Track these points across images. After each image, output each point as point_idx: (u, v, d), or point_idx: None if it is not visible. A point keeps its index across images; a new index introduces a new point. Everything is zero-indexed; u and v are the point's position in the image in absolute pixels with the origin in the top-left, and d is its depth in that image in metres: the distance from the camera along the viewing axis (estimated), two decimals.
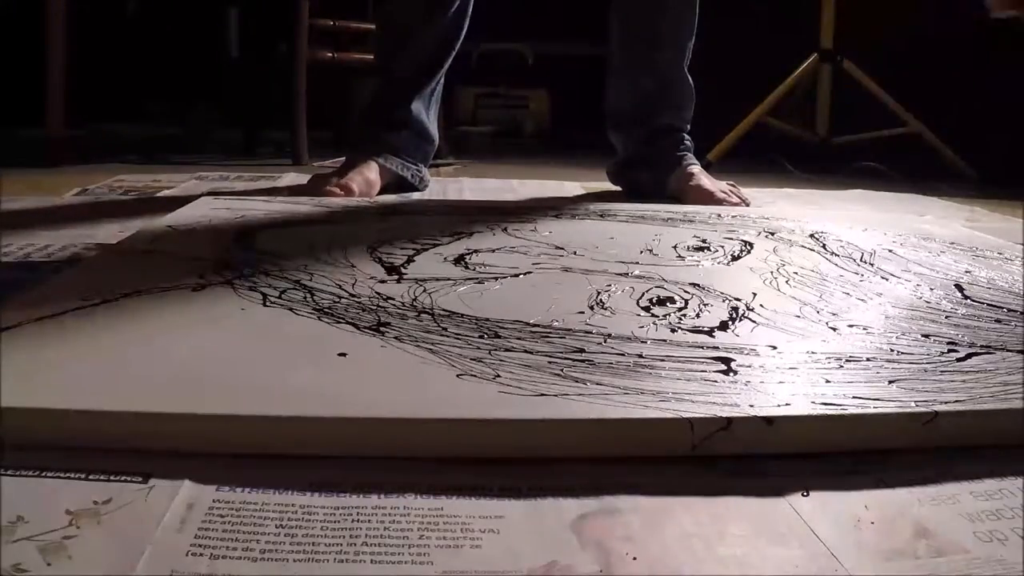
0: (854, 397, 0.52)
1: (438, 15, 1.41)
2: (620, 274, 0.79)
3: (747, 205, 1.37)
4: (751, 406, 0.50)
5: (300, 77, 1.86)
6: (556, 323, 0.64)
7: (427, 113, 1.47)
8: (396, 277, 0.75)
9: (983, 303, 0.75)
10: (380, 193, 1.38)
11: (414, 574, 0.37)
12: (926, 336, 0.65)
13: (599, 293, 0.72)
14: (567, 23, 2.67)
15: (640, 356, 0.57)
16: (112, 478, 0.43)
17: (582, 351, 0.58)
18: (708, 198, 1.34)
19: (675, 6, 1.43)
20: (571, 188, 1.59)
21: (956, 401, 0.52)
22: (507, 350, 0.57)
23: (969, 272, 0.86)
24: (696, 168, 1.44)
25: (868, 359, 0.59)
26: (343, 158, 1.47)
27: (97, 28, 2.53)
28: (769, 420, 0.49)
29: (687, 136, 1.49)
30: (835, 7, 2.15)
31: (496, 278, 0.76)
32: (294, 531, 0.39)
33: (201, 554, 0.37)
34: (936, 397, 0.52)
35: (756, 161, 2.09)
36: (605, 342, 0.60)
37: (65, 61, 1.93)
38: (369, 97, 1.49)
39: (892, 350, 0.61)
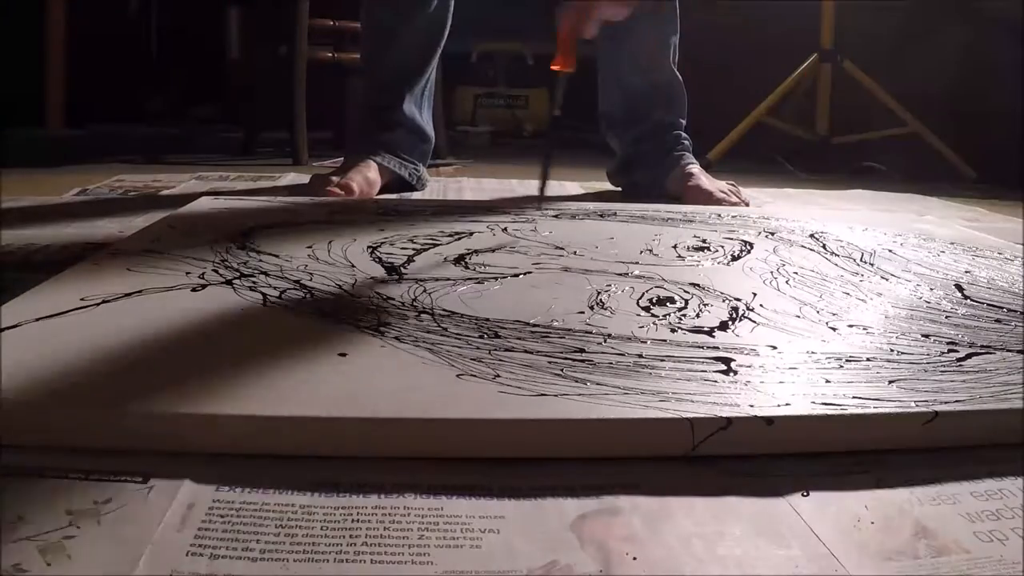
0: (854, 397, 0.52)
1: (420, 12, 1.41)
2: (620, 274, 0.79)
3: (747, 205, 1.37)
4: (751, 406, 0.50)
5: (300, 77, 1.86)
6: (556, 323, 0.64)
7: (420, 111, 1.47)
8: (396, 277, 0.75)
9: (983, 303, 0.75)
10: (379, 192, 1.38)
11: (414, 574, 0.37)
12: (926, 336, 0.65)
13: (599, 293, 0.72)
14: None
15: (640, 356, 0.57)
16: (112, 478, 0.43)
17: (582, 351, 0.58)
18: (707, 198, 1.34)
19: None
20: (571, 188, 1.59)
21: (956, 401, 0.52)
22: (507, 350, 0.57)
23: (969, 272, 0.86)
24: (695, 168, 1.44)
25: (868, 359, 0.59)
26: (342, 158, 1.47)
27: (97, 28, 2.54)
28: (769, 420, 0.49)
29: (684, 135, 1.49)
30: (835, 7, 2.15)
31: (496, 278, 0.76)
32: (294, 531, 0.39)
33: (201, 554, 0.37)
34: (936, 397, 0.52)
35: (756, 161, 2.09)
36: (605, 342, 0.60)
37: (65, 61, 1.93)
38: (361, 99, 1.49)
39: (892, 350, 0.61)
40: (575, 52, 1.09)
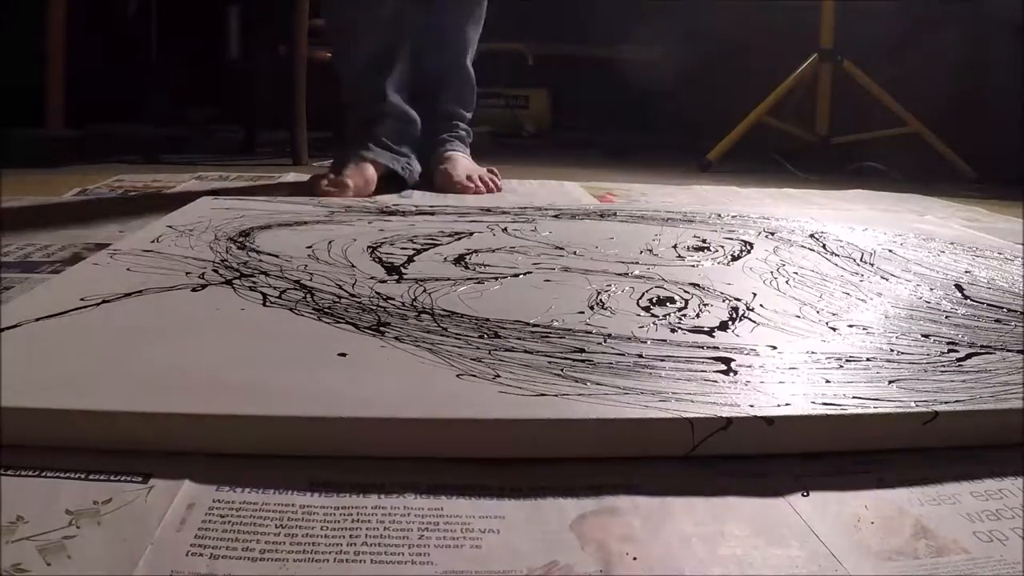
0: (854, 397, 0.52)
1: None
2: (620, 274, 0.79)
3: (499, 190, 1.37)
4: (751, 406, 0.50)
5: (300, 77, 1.86)
6: (556, 323, 0.64)
7: (401, 96, 1.47)
8: (396, 277, 0.75)
9: (983, 303, 0.75)
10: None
11: (414, 574, 0.37)
12: (926, 336, 0.65)
13: (599, 293, 0.72)
14: (567, 23, 2.67)
15: (640, 356, 0.57)
16: (112, 478, 0.43)
17: (582, 351, 0.58)
18: (450, 184, 1.35)
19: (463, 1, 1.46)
20: (571, 188, 1.59)
21: (956, 401, 0.52)
22: (507, 350, 0.57)
23: (969, 272, 0.86)
24: (455, 153, 1.45)
25: (868, 359, 0.59)
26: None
27: (97, 28, 2.54)
28: (769, 420, 0.49)
29: (465, 127, 1.50)
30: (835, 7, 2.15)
31: (496, 278, 0.76)
32: (294, 531, 0.39)
33: (201, 554, 0.37)
34: (936, 397, 0.52)
35: (756, 161, 2.09)
36: (605, 342, 0.60)
37: (65, 61, 1.93)
38: (344, 96, 1.50)
39: (892, 350, 0.61)
40: None
